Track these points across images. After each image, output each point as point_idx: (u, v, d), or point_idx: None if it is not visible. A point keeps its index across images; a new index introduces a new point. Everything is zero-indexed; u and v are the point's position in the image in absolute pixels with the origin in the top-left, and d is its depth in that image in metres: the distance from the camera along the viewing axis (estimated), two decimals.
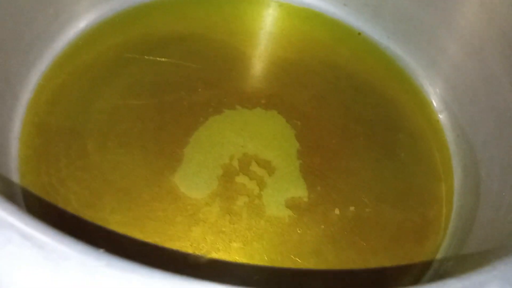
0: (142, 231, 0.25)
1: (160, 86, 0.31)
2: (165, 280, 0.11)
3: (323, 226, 0.26)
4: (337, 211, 0.27)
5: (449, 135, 0.31)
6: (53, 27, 0.31)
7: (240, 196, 0.27)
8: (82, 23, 0.32)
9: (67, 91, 0.30)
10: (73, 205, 0.26)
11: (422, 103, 0.33)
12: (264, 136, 0.29)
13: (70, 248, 0.11)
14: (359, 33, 0.36)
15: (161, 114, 0.30)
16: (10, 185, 0.26)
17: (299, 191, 0.27)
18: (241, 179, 0.27)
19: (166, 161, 0.28)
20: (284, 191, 0.27)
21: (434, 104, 0.33)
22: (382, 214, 0.27)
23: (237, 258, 0.25)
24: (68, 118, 0.29)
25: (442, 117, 0.32)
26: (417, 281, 0.25)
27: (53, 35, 0.31)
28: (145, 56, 0.33)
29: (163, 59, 0.33)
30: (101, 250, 0.12)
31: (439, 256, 0.26)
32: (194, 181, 0.27)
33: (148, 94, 0.31)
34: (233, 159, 0.28)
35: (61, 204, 0.26)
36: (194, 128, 0.29)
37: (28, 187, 0.26)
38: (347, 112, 0.32)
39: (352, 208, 0.27)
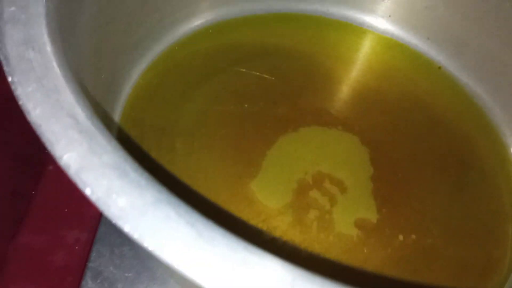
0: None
1: (244, 96, 0.33)
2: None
3: (389, 250, 0.27)
4: (403, 237, 0.28)
5: None
6: (156, 31, 0.34)
7: (312, 210, 0.28)
8: (180, 30, 0.35)
9: (162, 90, 0.33)
10: None
11: (497, 143, 0.33)
12: (338, 156, 0.31)
13: (214, 231, 0.13)
14: (439, 67, 0.37)
15: (243, 123, 0.32)
16: None
17: (369, 213, 0.28)
18: (314, 194, 0.29)
19: (245, 168, 0.30)
20: (354, 210, 0.28)
21: (509, 145, 0.33)
22: (448, 246, 0.28)
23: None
24: (160, 116, 0.31)
25: None
26: None
27: (156, 38, 0.34)
28: (233, 67, 0.35)
29: (248, 71, 0.35)
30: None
31: None
32: (270, 191, 0.29)
33: (232, 102, 0.33)
34: (307, 174, 0.30)
35: None
36: (273, 140, 0.31)
37: None
38: (421, 142, 0.33)
39: (419, 236, 0.28)
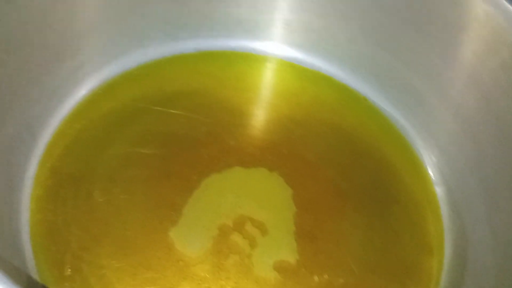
0: (134, 278, 0.27)
1: (169, 137, 0.33)
2: None
3: None
4: (323, 277, 0.27)
5: (444, 209, 0.32)
6: (76, 76, 0.33)
7: (232, 255, 0.28)
8: (103, 73, 0.35)
9: (84, 136, 0.32)
10: (73, 247, 0.27)
11: (420, 174, 0.34)
12: (261, 197, 0.30)
13: None
14: (365, 99, 0.38)
15: (167, 165, 0.32)
16: (18, 222, 0.28)
17: (289, 254, 0.28)
18: (234, 238, 0.28)
19: (166, 213, 0.29)
20: (274, 252, 0.28)
21: (432, 175, 0.34)
22: (368, 284, 0.28)
23: None
24: (80, 163, 0.31)
25: (438, 190, 0.33)
26: None
27: (76, 83, 0.33)
28: (158, 108, 0.35)
29: (174, 111, 0.35)
30: None
31: None
32: (189, 238, 0.28)
33: (157, 144, 0.33)
34: (228, 219, 0.29)
35: (62, 245, 0.27)
36: (196, 184, 0.31)
37: (36, 226, 0.28)
38: (346, 177, 0.33)
39: (339, 276, 0.28)
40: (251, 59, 0.39)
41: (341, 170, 0.33)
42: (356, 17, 0.36)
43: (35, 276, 0.26)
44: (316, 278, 0.27)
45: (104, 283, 0.26)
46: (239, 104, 0.36)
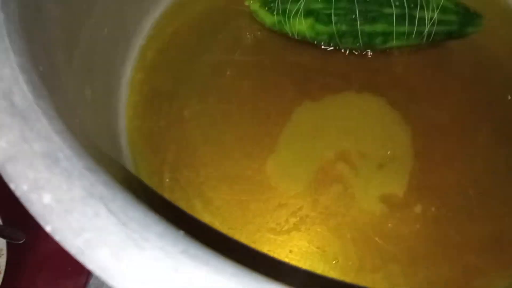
0: (231, 188, 0.26)
1: (265, 43, 0.30)
2: (236, 277, 0.11)
3: (418, 225, 0.24)
4: (436, 209, 0.24)
5: None
6: None
7: (335, 184, 0.25)
8: None
9: (177, 40, 0.30)
10: (171, 156, 0.27)
11: None
12: (371, 130, 0.27)
13: (150, 230, 0.11)
14: None
15: (262, 74, 0.29)
16: (117, 129, 0.27)
17: (396, 187, 0.25)
18: (339, 166, 0.26)
19: (262, 127, 0.27)
20: (380, 185, 0.25)
21: None
22: (487, 209, 0.24)
23: (316, 242, 0.24)
24: (174, 68, 0.29)
25: None
26: None
27: None
28: None
29: None
30: (181, 233, 0.12)
31: None
32: (287, 172, 0.26)
33: (252, 51, 0.30)
34: (331, 149, 0.26)
35: (160, 154, 0.27)
36: (296, 98, 0.28)
37: (133, 132, 0.28)
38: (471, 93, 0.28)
39: (455, 200, 0.24)
40: None
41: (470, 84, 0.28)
42: None
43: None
44: (425, 208, 0.24)
45: (201, 192, 0.26)
46: None
